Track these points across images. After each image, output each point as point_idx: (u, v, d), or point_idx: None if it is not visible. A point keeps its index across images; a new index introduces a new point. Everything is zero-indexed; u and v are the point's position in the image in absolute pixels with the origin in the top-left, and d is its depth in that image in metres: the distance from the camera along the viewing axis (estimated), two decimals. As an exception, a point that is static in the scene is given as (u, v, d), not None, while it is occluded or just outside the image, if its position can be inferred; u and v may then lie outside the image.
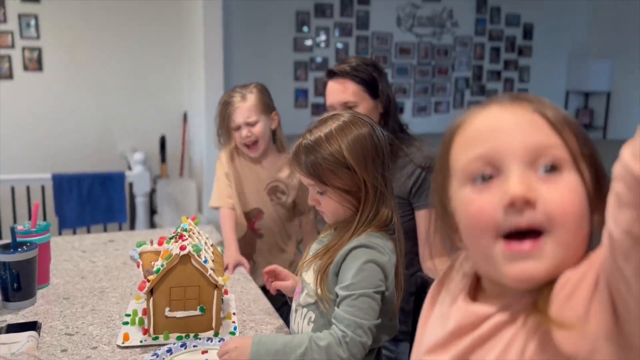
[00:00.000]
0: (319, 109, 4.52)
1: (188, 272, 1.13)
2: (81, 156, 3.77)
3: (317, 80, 4.50)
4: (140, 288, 1.13)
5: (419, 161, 1.49)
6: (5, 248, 1.26)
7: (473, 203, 0.56)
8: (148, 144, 3.87)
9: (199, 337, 1.13)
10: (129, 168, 3.49)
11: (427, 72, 4.91)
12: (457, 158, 0.59)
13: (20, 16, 3.57)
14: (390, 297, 1.05)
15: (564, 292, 0.52)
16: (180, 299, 1.14)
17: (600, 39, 5.26)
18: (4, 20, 3.55)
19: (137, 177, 3.20)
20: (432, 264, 1.42)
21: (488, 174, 0.55)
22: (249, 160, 1.79)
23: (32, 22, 3.60)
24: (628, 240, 0.43)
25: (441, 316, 0.67)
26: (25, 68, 3.64)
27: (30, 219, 1.43)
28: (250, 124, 1.71)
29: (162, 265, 1.11)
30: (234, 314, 1.25)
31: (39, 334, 1.13)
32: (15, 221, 3.09)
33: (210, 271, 1.14)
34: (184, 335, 1.14)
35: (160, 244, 1.22)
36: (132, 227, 3.42)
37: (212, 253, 1.24)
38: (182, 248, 1.12)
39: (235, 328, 1.19)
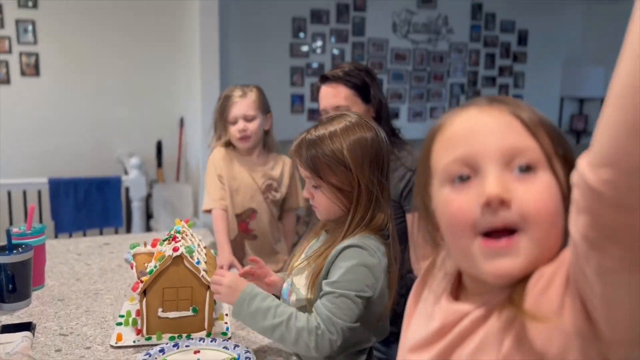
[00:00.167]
0: (315, 114, 4.55)
1: (181, 273, 1.14)
2: (78, 161, 3.79)
3: (313, 86, 4.53)
4: (134, 289, 1.15)
5: (410, 164, 1.51)
6: (1, 250, 1.28)
7: (452, 203, 0.58)
8: (144, 148, 3.89)
9: (191, 337, 1.14)
10: (126, 173, 3.51)
11: (423, 78, 4.94)
12: (437, 159, 0.62)
13: (17, 22, 3.59)
14: (378, 300, 1.06)
15: (539, 286, 0.54)
16: (173, 299, 1.16)
17: (594, 45, 5.31)
18: (1, 26, 3.57)
19: (133, 181, 3.21)
20: (424, 265, 1.44)
21: (466, 174, 0.58)
22: (243, 161, 1.81)
23: (30, 28, 3.62)
24: (585, 244, 0.45)
25: (424, 315, 0.68)
26: (23, 73, 3.66)
27: (27, 215, 1.44)
28: (248, 119, 1.76)
29: (155, 267, 1.13)
30: (226, 315, 1.27)
31: (34, 335, 1.15)
32: (11, 224, 3.10)
33: (203, 272, 1.15)
34: (176, 335, 1.15)
35: (153, 245, 1.24)
36: (129, 231, 3.43)
37: (205, 254, 1.26)
38: (175, 249, 1.13)
39: (227, 329, 1.20)
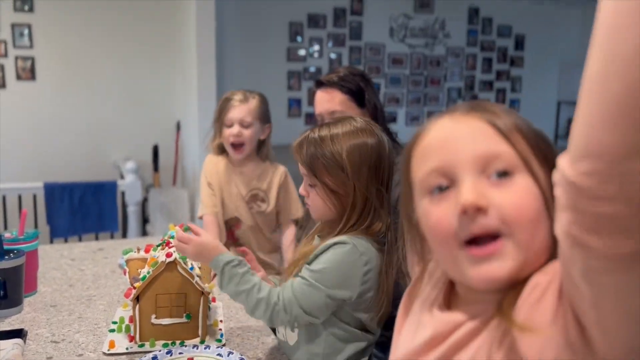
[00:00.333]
0: (312, 118, 4.54)
1: (174, 280, 1.13)
2: (73, 165, 3.77)
3: (310, 90, 4.52)
4: (127, 295, 1.13)
5: None
6: (-8, 256, 1.26)
7: (431, 214, 0.58)
8: (141, 153, 3.87)
9: (185, 344, 1.13)
10: (122, 177, 3.49)
11: (420, 82, 4.94)
12: (416, 170, 0.62)
13: (13, 25, 3.58)
14: (359, 302, 1.05)
15: (533, 295, 0.53)
16: (167, 306, 1.14)
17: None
18: (-2, 30, 3.56)
19: (129, 186, 3.19)
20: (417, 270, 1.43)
21: (444, 185, 0.58)
22: (231, 169, 1.79)
23: (26, 32, 3.61)
24: (568, 241, 0.45)
25: (415, 325, 0.67)
26: (19, 77, 3.65)
27: (20, 220, 1.43)
28: (244, 125, 1.73)
29: (148, 273, 1.12)
30: (221, 321, 1.25)
31: (25, 342, 1.13)
32: (6, 229, 3.08)
33: (197, 278, 1.14)
34: (170, 342, 1.14)
35: (147, 251, 1.23)
36: (124, 236, 3.41)
37: (199, 260, 1.24)
38: (169, 255, 1.12)
39: (221, 335, 1.19)
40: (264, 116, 1.78)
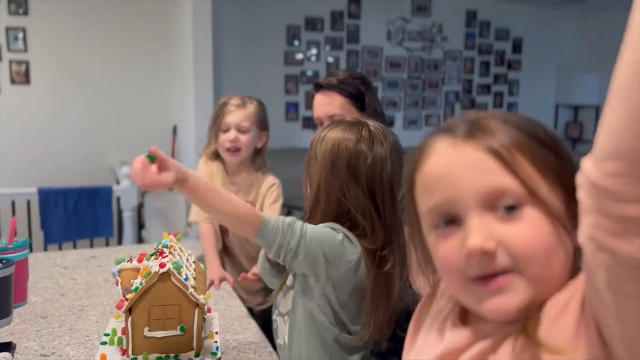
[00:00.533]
0: (309, 122, 4.51)
1: (168, 291, 1.09)
2: (68, 170, 3.73)
3: (307, 94, 4.50)
4: (119, 307, 1.09)
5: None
6: (-20, 266, 1.22)
7: (438, 249, 0.56)
8: (137, 157, 3.82)
9: (179, 357, 1.09)
10: (117, 182, 3.45)
11: (418, 86, 4.92)
12: (420, 201, 0.59)
13: (7, 29, 3.55)
14: (340, 285, 1.04)
15: (553, 314, 0.51)
16: (160, 318, 1.10)
17: (589, 52, 5.32)
18: (-9, 33, 3.53)
19: (125, 191, 3.16)
20: (422, 280, 1.40)
21: (449, 220, 0.55)
22: (225, 178, 1.76)
23: (20, 35, 3.58)
24: (592, 246, 0.44)
25: (427, 341, 0.64)
26: (13, 81, 3.61)
27: (10, 228, 1.39)
28: (241, 130, 1.69)
29: (140, 284, 1.08)
30: (216, 333, 1.21)
31: (13, 355, 1.09)
32: (-1, 236, 3.04)
33: (191, 289, 1.10)
34: (163, 356, 1.10)
35: (140, 261, 1.19)
36: (120, 242, 3.37)
37: (194, 270, 1.20)
38: (162, 265, 1.08)
39: (217, 348, 1.15)
40: (261, 122, 1.74)
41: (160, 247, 1.21)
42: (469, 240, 0.52)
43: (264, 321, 1.55)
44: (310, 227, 1.01)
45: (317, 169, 1.06)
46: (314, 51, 4.49)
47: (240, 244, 1.75)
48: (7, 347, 1.11)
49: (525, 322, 0.52)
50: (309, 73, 4.49)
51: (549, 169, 0.54)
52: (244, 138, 1.69)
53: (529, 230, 0.52)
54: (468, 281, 0.54)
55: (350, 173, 1.03)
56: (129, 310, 1.08)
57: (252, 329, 1.27)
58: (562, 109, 5.46)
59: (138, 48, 3.84)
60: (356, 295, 1.06)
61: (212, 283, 1.54)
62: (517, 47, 5.23)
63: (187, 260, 1.21)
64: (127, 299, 1.09)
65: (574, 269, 0.53)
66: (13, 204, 3.07)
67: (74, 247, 3.18)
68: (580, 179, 0.45)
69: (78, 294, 1.44)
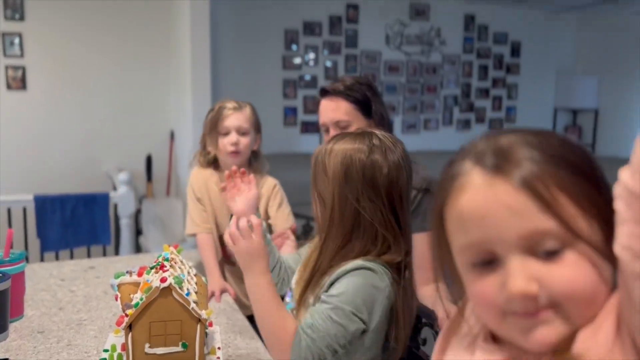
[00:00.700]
0: (308, 126, 4.49)
1: (169, 306, 1.06)
2: (65, 176, 3.69)
3: (306, 98, 4.48)
4: (118, 323, 1.06)
5: (416, 184, 1.45)
6: (-24, 280, 1.19)
7: (475, 285, 0.54)
8: (134, 163, 3.80)
9: (180, 374, 1.06)
10: (114, 188, 3.42)
11: (416, 90, 4.91)
12: (452, 235, 0.57)
13: (3, 34, 3.51)
14: (374, 333, 1.00)
15: (588, 333, 0.50)
16: (161, 334, 1.07)
17: (587, 56, 5.31)
18: (-13, 39, 3.49)
19: (122, 198, 3.12)
20: (426, 290, 1.37)
21: (486, 259, 0.53)
22: (218, 184, 1.73)
23: (16, 41, 3.55)
24: (628, 255, 0.44)
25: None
26: (9, 87, 3.58)
27: (6, 239, 1.36)
28: (241, 132, 1.69)
29: (141, 299, 1.05)
30: (218, 348, 1.18)
31: (9, 374, 1.06)
32: (-5, 244, 3.00)
33: (193, 304, 1.07)
34: (164, 373, 1.07)
35: (140, 274, 1.16)
36: (117, 248, 3.33)
37: (196, 284, 1.17)
38: (163, 280, 1.05)
39: (219, 364, 1.12)
40: (257, 125, 1.76)
41: (160, 259, 1.18)
42: (510, 284, 0.50)
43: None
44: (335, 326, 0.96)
45: (328, 184, 1.02)
46: (312, 55, 4.47)
47: None
48: (3, 364, 1.07)
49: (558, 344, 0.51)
50: (307, 77, 4.47)
51: (586, 200, 0.51)
52: (244, 141, 1.70)
53: (571, 272, 0.50)
54: (506, 315, 0.53)
55: (366, 184, 0.99)
56: (129, 327, 1.05)
57: (256, 343, 1.24)
58: (561, 112, 5.46)
59: (135, 53, 3.81)
60: (388, 315, 1.03)
61: (212, 294, 1.51)
62: (515, 50, 5.23)
63: (189, 273, 1.18)
64: (127, 315, 1.06)
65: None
66: (9, 211, 3.03)
67: (71, 254, 3.15)
68: (618, 190, 0.45)
69: (76, 307, 1.41)
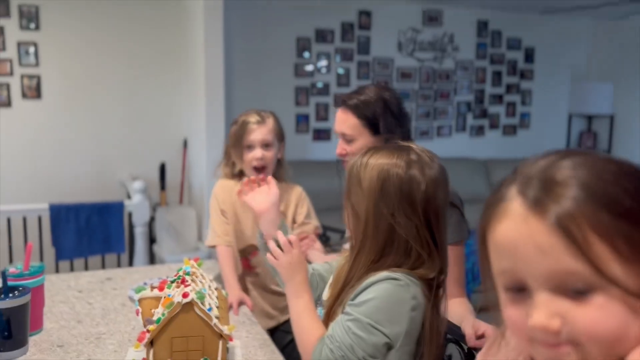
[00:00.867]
0: (320, 134, 4.48)
1: (191, 322, 1.05)
2: (79, 185, 3.70)
3: (318, 105, 4.47)
4: (140, 339, 1.05)
5: None
6: (-4, 294, 1.18)
7: (506, 310, 0.56)
8: (147, 171, 3.81)
9: (202, 391, 1.05)
10: (128, 197, 3.42)
11: (429, 96, 4.88)
12: (491, 257, 0.57)
13: (19, 44, 3.54)
14: (402, 349, 0.97)
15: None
16: (183, 350, 1.06)
17: (602, 61, 5.26)
18: (3, 48, 3.51)
19: (137, 206, 3.13)
20: (451, 305, 1.34)
21: (517, 287, 0.54)
22: None
23: (32, 50, 3.57)
24: None
25: None
26: (24, 96, 3.60)
27: (25, 252, 1.35)
28: (265, 145, 1.69)
29: (162, 315, 1.04)
30: (239, 363, 1.17)
31: (30, 390, 1.05)
32: (10, 252, 3.01)
33: (215, 320, 1.06)
34: (186, 389, 1.05)
35: (160, 289, 1.14)
36: (131, 257, 3.33)
37: (217, 298, 1.16)
38: (185, 295, 1.04)
39: (241, 380, 1.10)
40: (280, 134, 1.76)
41: (181, 273, 1.17)
42: (533, 316, 0.51)
43: (288, 342, 1.51)
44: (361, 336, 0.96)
45: (362, 197, 1.00)
46: (324, 63, 4.46)
47: (263, 263, 1.71)
48: (23, 380, 1.06)
49: None
50: (320, 85, 4.46)
51: (626, 244, 0.49)
52: (269, 155, 1.70)
53: (596, 314, 0.49)
54: (533, 341, 0.53)
55: (403, 199, 0.97)
56: (151, 343, 1.04)
57: (277, 357, 1.22)
58: (576, 118, 5.39)
59: (148, 62, 3.83)
60: (415, 331, 1.00)
61: (230, 306, 1.50)
62: (529, 56, 5.18)
63: (209, 287, 1.17)
64: (148, 331, 1.04)
65: None
66: (24, 220, 3.04)
67: (86, 262, 3.15)
68: None
69: (95, 320, 1.40)
